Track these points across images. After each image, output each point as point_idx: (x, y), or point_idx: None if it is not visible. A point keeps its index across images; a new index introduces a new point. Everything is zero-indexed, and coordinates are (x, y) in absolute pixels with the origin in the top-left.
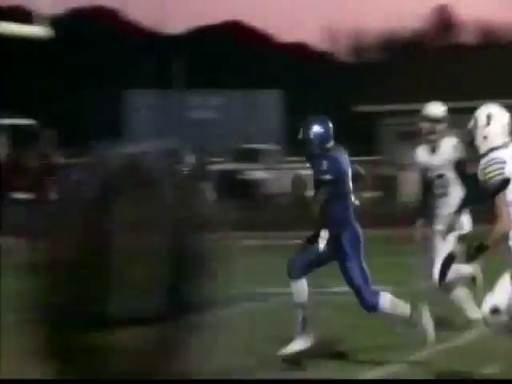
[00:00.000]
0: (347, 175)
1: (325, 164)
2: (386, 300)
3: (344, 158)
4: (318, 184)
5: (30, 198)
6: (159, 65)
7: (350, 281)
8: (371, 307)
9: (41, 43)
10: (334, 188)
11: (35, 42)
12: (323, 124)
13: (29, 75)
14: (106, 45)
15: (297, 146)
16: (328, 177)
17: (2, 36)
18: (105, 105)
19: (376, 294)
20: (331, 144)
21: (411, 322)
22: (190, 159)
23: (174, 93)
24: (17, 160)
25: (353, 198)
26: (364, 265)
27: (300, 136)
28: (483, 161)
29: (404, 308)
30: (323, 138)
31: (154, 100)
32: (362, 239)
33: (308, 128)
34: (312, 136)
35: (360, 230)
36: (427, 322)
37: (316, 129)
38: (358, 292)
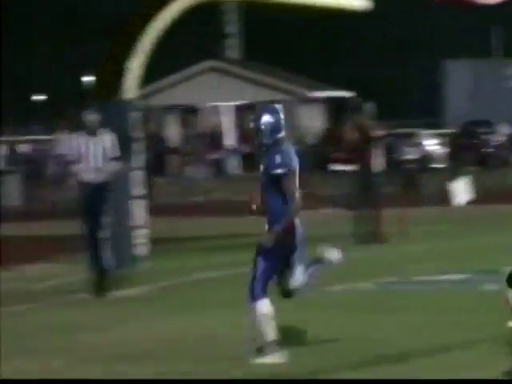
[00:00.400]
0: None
1: (277, 158)
2: (263, 307)
3: (293, 151)
4: (267, 177)
5: (350, 170)
6: (476, 33)
7: (254, 265)
8: (252, 298)
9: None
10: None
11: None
12: (274, 113)
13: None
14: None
15: None
16: (280, 171)
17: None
18: (421, 75)
19: (262, 296)
20: (282, 135)
21: (263, 346)
22: (503, 129)
23: (491, 62)
24: (336, 132)
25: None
26: (274, 264)
27: (251, 125)
28: None
29: (270, 331)
30: (274, 128)
31: (469, 69)
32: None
33: (258, 117)
34: (262, 126)
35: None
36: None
37: (266, 118)
38: (253, 279)
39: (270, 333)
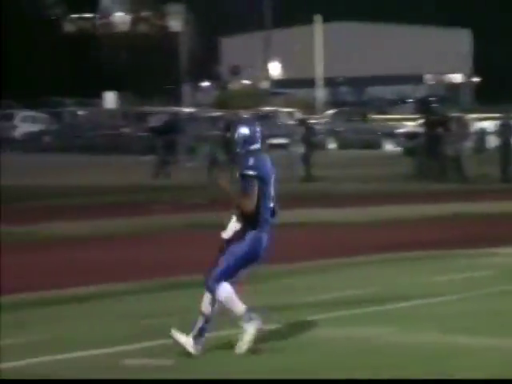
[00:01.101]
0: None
1: (250, 161)
2: (224, 290)
3: (268, 161)
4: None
5: None
6: None
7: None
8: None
9: None
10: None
11: None
12: (249, 126)
13: None
14: None
15: None
16: (251, 173)
17: None
18: None
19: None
20: (256, 147)
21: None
22: None
23: None
24: None
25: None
26: (237, 262)
27: (228, 135)
28: None
29: (238, 305)
30: (247, 140)
31: None
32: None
33: (235, 128)
34: (236, 136)
35: (265, 237)
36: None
37: (241, 130)
38: (213, 270)
39: (239, 306)
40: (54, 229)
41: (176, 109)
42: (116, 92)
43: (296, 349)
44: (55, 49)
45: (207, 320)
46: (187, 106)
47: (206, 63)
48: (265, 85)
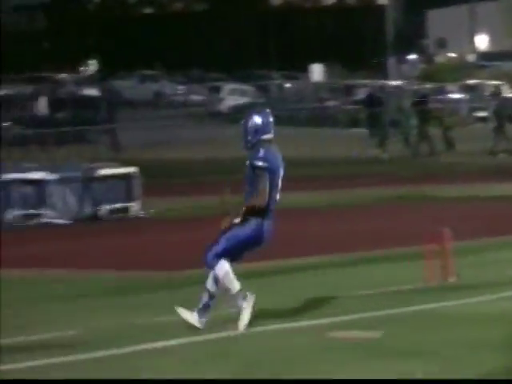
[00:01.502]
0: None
1: (260, 152)
2: (222, 267)
3: (277, 153)
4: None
5: None
6: None
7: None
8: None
9: None
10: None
11: None
12: (262, 115)
13: None
14: None
15: None
16: (261, 164)
17: None
18: None
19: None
20: (267, 137)
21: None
22: None
23: None
24: None
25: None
26: (237, 244)
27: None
28: None
29: (233, 284)
30: (259, 129)
31: None
32: (261, 238)
33: (246, 119)
34: (249, 125)
35: (268, 224)
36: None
37: (254, 119)
38: (211, 248)
39: (235, 284)
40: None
41: (381, 82)
42: (322, 65)
43: None
44: (261, 22)
45: (211, 296)
46: (393, 79)
47: (411, 36)
48: (471, 58)
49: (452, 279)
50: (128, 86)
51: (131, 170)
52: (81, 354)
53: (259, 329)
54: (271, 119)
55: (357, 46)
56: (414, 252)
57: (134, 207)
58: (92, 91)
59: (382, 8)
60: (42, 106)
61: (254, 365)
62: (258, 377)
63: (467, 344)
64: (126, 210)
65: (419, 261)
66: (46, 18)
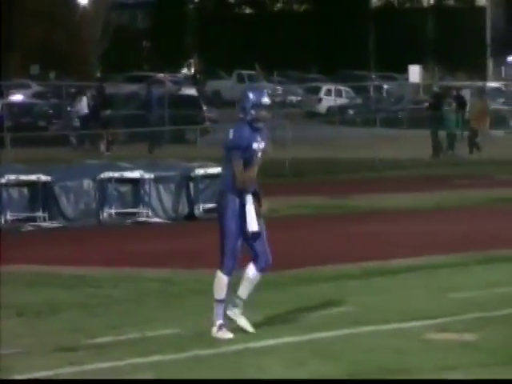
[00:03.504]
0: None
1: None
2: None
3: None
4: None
5: None
6: None
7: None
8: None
9: None
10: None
11: None
12: (254, 94)
13: None
14: None
15: None
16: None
17: None
18: None
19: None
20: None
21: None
22: None
23: None
24: None
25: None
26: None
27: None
28: None
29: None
30: (253, 105)
31: None
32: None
33: (244, 94)
34: (245, 102)
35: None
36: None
37: (250, 95)
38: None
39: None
40: (364, 201)
41: (481, 83)
42: (421, 66)
43: None
44: (361, 23)
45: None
46: (492, 81)
47: (511, 37)
48: None
49: None
50: (227, 86)
51: None
52: (181, 353)
53: (366, 329)
54: (266, 99)
55: (456, 47)
56: None
57: None
58: (191, 91)
59: (482, 9)
60: (153, 104)
61: (360, 363)
62: (363, 377)
63: None
64: None
65: None
66: (147, 18)
